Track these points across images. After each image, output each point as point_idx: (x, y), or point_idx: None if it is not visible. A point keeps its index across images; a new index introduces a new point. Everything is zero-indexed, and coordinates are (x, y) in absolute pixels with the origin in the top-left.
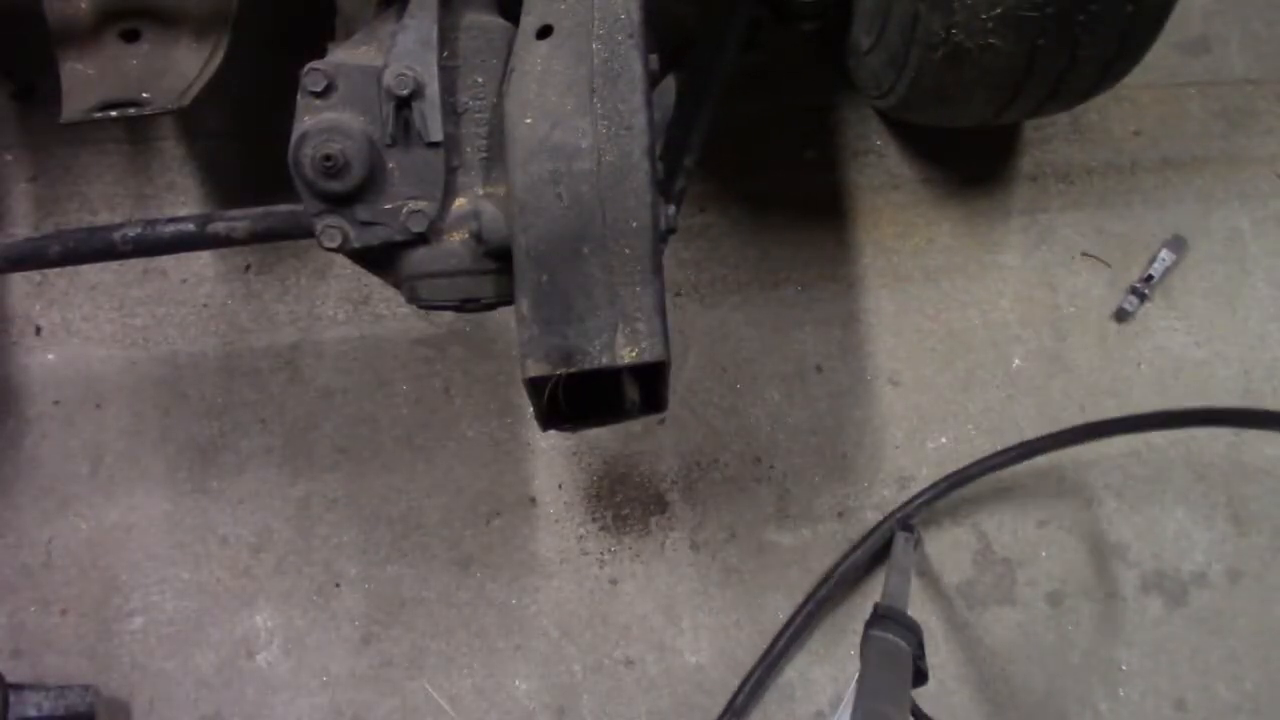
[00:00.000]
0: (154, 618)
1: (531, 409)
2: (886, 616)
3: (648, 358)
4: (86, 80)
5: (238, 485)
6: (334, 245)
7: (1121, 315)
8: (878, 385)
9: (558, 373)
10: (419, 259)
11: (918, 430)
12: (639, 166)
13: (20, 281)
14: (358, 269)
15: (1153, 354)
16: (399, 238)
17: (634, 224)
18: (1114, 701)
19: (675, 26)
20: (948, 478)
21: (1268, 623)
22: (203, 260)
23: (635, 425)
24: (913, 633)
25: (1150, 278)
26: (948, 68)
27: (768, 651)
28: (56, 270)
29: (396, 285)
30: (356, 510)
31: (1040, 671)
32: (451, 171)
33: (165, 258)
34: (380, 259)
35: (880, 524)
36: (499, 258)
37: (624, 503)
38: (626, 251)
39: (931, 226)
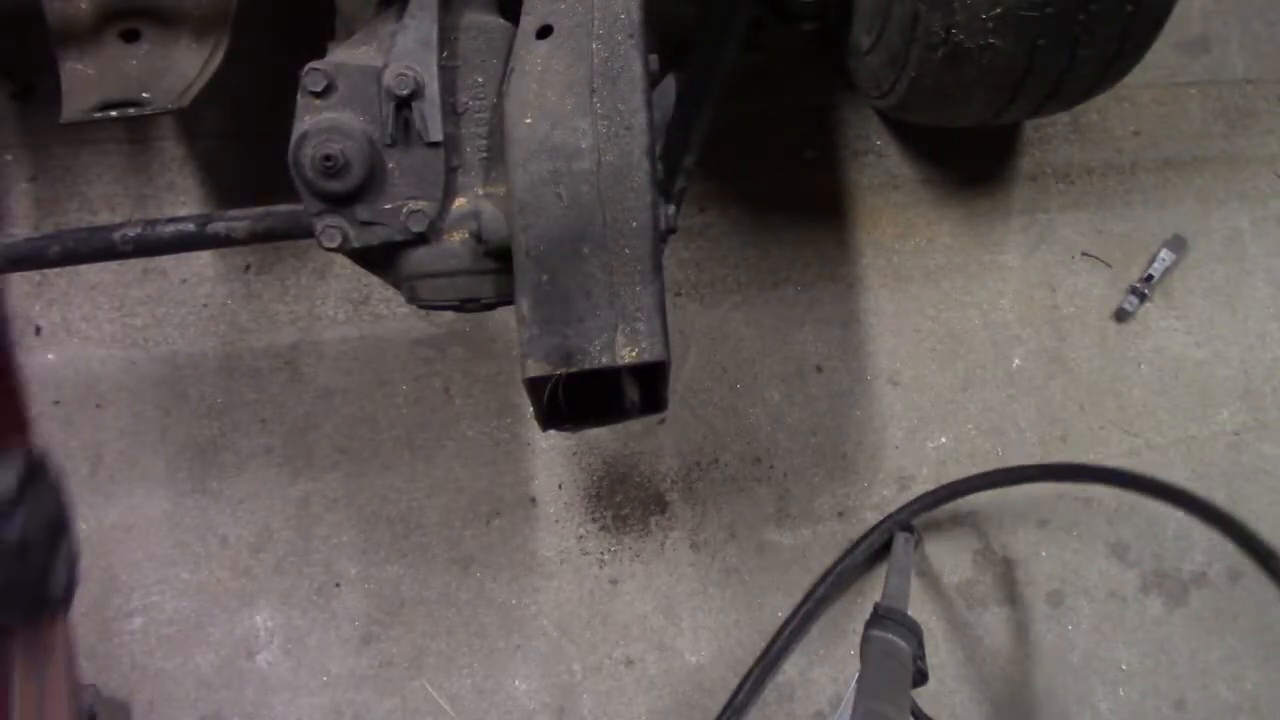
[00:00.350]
0: (154, 618)
1: (531, 409)
2: (886, 616)
3: (648, 358)
4: (86, 80)
5: (238, 485)
6: (334, 245)
7: (1121, 315)
8: (878, 385)
9: (558, 373)
10: (419, 259)
11: (918, 430)
12: (639, 166)
13: (20, 281)
14: (358, 269)
15: (1153, 354)
16: (399, 238)
17: (634, 224)
18: (1114, 701)
19: (675, 26)
20: (947, 486)
21: (1268, 623)
22: (203, 260)
23: (635, 425)
24: (913, 633)
25: (1150, 278)
26: (948, 68)
27: (766, 650)
28: (56, 270)
29: (396, 285)
30: (356, 510)
31: (1040, 671)
32: (451, 171)
33: (165, 258)
34: (380, 259)
35: (875, 527)
36: (499, 258)
37: (624, 503)
38: (626, 251)
39: (931, 226)
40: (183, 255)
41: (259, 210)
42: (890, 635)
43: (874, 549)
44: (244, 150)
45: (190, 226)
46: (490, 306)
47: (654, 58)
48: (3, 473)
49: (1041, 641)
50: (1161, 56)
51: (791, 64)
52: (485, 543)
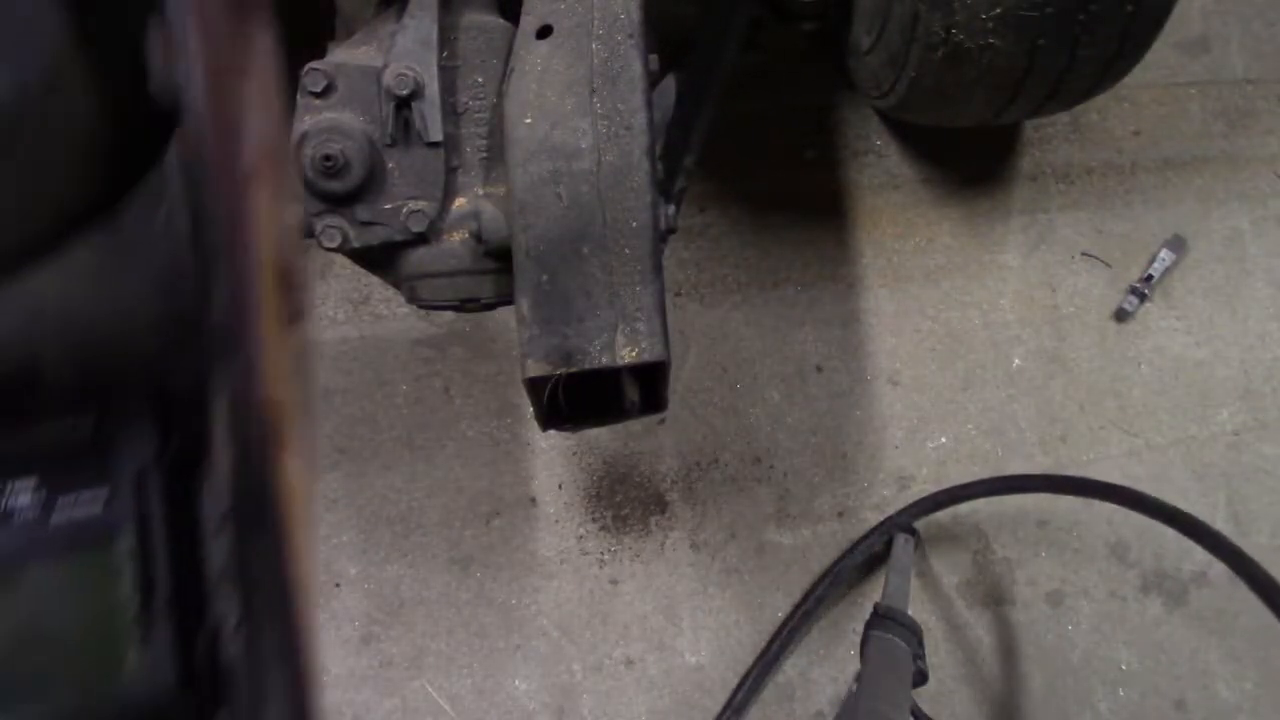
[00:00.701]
0: None
1: (531, 409)
2: (886, 616)
3: (648, 358)
4: None
5: None
6: (334, 245)
7: (1121, 315)
8: (878, 385)
9: (558, 373)
10: (419, 259)
11: (918, 430)
12: (639, 166)
13: None
14: (357, 269)
15: (1153, 354)
16: (399, 238)
17: (634, 224)
18: (1114, 701)
19: (675, 26)
20: (947, 491)
21: (1268, 622)
22: None
23: (635, 425)
24: (913, 633)
25: (1150, 278)
26: (948, 68)
27: (766, 650)
28: None
29: (396, 285)
30: (356, 510)
31: (1040, 671)
32: (451, 171)
33: None
34: (380, 259)
35: (875, 529)
36: (499, 258)
37: (624, 503)
38: (626, 251)
39: (931, 226)
40: None
41: None
42: (890, 635)
43: (873, 550)
44: None
45: None
46: (490, 306)
47: (654, 58)
48: None
49: (1041, 641)
50: (1161, 56)
51: (791, 64)
52: (485, 543)
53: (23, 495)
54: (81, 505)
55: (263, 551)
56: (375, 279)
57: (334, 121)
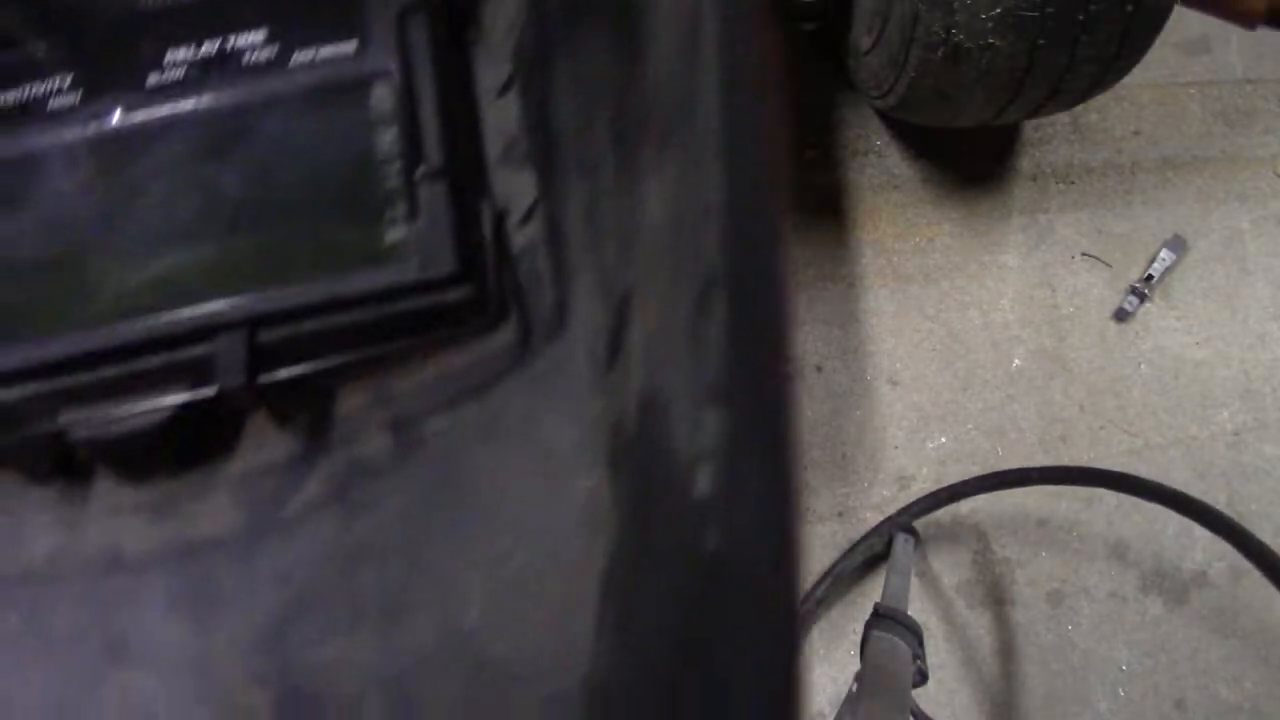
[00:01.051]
0: None
1: None
2: (886, 616)
3: None
4: None
5: None
6: None
7: (1121, 315)
8: (878, 385)
9: None
10: None
11: (918, 430)
12: None
13: None
14: None
15: (1153, 354)
16: None
17: None
18: (1114, 701)
19: None
20: (947, 489)
21: (1268, 622)
22: None
23: None
24: (913, 633)
25: (1150, 278)
26: (948, 68)
27: None
28: None
29: None
30: None
31: (1040, 671)
32: None
33: None
34: None
35: (875, 530)
36: None
37: None
38: None
39: (931, 226)
40: None
41: None
42: (890, 635)
43: (873, 551)
44: None
45: None
46: None
47: None
48: None
49: (1041, 641)
50: (1161, 56)
51: (791, 64)
52: None
53: (250, 46)
54: (325, 54)
55: (565, 109)
56: None
57: None
